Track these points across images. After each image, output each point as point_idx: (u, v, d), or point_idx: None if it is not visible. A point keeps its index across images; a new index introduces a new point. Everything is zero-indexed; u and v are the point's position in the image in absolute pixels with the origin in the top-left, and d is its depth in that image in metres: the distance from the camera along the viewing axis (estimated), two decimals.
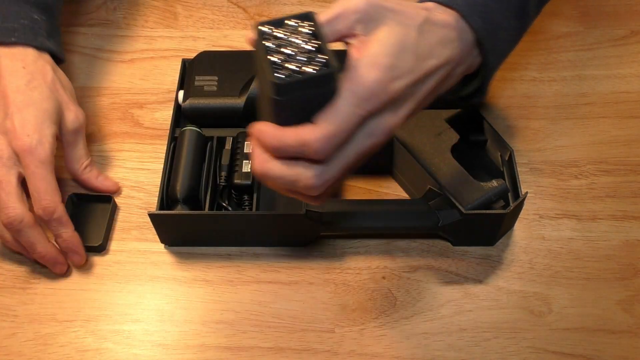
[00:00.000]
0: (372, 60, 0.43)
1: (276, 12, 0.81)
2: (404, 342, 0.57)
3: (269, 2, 0.82)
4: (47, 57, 0.64)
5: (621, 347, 0.57)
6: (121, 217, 0.65)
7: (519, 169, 0.63)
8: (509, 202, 0.62)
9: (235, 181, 0.62)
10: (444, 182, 0.60)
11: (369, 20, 0.44)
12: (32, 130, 0.58)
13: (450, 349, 0.57)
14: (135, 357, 0.57)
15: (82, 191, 0.66)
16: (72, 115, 0.62)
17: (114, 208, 0.65)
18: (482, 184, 0.60)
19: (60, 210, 0.58)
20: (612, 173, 0.67)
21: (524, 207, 0.63)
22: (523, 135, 0.70)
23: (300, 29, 0.43)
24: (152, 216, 0.60)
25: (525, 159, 0.68)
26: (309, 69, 0.41)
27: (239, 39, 0.78)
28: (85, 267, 0.62)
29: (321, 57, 0.41)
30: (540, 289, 0.60)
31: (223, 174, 0.63)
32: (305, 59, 0.41)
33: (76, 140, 0.63)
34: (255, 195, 0.63)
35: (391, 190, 0.67)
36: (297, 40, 0.42)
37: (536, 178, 0.67)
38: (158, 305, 0.60)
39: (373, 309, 0.59)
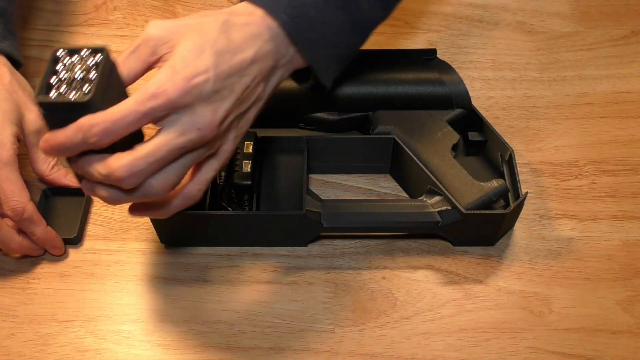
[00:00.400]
0: (165, 66, 0.47)
1: None
2: (404, 342, 0.57)
3: None
4: (2, 59, 0.63)
5: (621, 347, 0.57)
6: (121, 217, 0.65)
7: (519, 169, 0.63)
8: (509, 202, 0.62)
9: (235, 181, 0.62)
10: (444, 182, 0.60)
11: (169, 41, 0.48)
12: None
13: (450, 349, 0.57)
14: (135, 357, 0.57)
15: None
16: (33, 116, 0.61)
17: (89, 200, 0.65)
18: (482, 184, 0.60)
19: (29, 209, 0.58)
20: (612, 173, 0.67)
21: (524, 207, 0.63)
22: (523, 135, 0.70)
23: (88, 60, 0.47)
24: None
25: (525, 159, 0.68)
26: (71, 95, 0.46)
27: None
28: (85, 267, 0.62)
29: (88, 87, 0.46)
30: (540, 289, 0.60)
31: (223, 174, 0.63)
32: (76, 86, 0.46)
33: (39, 140, 0.62)
34: (255, 195, 0.63)
35: (391, 190, 0.67)
36: (78, 68, 0.47)
37: (536, 178, 0.67)
38: (158, 305, 0.60)
39: (373, 309, 0.59)
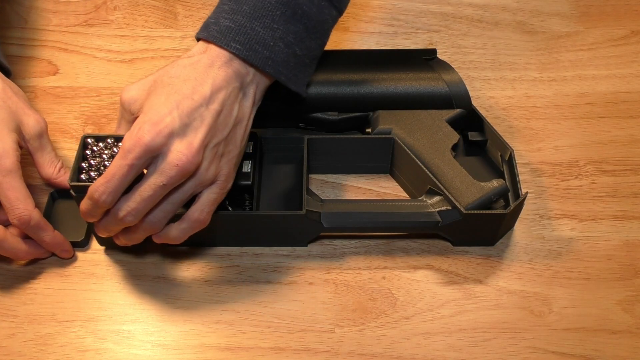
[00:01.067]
0: (136, 121, 0.52)
1: None
2: (404, 342, 0.57)
3: None
4: None
5: (621, 347, 0.57)
6: None
7: (519, 169, 0.63)
8: (509, 202, 0.62)
9: (235, 181, 0.62)
10: (444, 182, 0.60)
11: (138, 99, 0.53)
12: None
13: (450, 349, 0.57)
14: (135, 357, 0.57)
15: None
16: (32, 121, 0.61)
17: None
18: (482, 184, 0.60)
19: (35, 216, 0.57)
20: (612, 173, 0.67)
21: (524, 207, 0.63)
22: (523, 135, 0.70)
23: (113, 147, 0.56)
24: None
25: (525, 159, 0.68)
26: None
27: None
28: (85, 267, 0.62)
29: None
30: (540, 289, 0.60)
31: None
32: (103, 172, 0.53)
33: (42, 144, 0.62)
34: (255, 195, 0.63)
35: (391, 190, 0.67)
36: (104, 155, 0.56)
37: (536, 178, 0.67)
38: (158, 305, 0.60)
39: (373, 309, 0.59)
